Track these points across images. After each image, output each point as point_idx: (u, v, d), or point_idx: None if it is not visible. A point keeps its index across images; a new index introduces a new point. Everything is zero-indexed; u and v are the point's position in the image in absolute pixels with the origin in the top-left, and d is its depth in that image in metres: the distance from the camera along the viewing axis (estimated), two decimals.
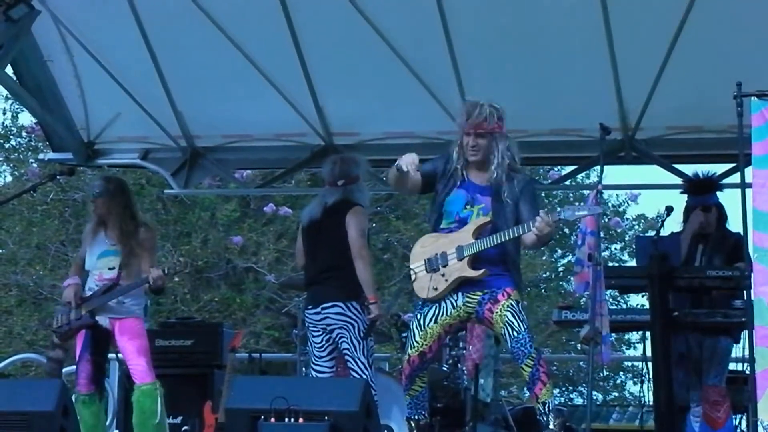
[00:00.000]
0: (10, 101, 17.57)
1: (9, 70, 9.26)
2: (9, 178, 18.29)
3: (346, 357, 7.74)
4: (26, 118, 17.55)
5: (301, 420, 6.09)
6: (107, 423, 10.26)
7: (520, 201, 6.64)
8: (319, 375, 7.78)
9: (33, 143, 17.82)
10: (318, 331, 7.78)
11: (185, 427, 8.87)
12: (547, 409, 6.46)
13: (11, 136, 18.21)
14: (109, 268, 7.97)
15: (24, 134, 17.99)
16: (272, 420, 6.11)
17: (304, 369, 9.05)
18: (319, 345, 7.81)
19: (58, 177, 8.92)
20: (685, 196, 8.11)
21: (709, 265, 7.60)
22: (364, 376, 7.55)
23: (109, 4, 9.30)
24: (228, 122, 10.14)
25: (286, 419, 6.09)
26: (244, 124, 10.13)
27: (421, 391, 6.72)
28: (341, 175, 7.90)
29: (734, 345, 7.64)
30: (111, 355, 10.24)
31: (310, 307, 7.83)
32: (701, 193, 7.94)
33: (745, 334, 6.90)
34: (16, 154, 18.28)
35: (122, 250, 7.96)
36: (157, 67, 9.69)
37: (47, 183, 10.91)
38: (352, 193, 7.90)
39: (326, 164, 8.15)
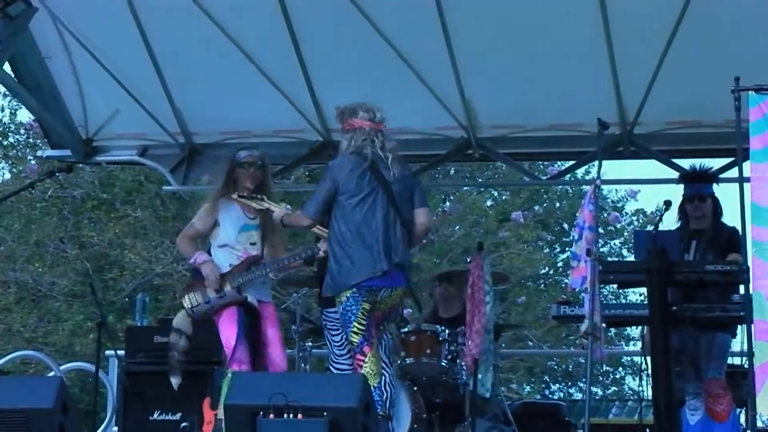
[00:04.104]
0: (8, 98, 17.54)
1: (7, 67, 9.27)
2: (7, 176, 18.26)
3: None
4: (24, 115, 17.52)
5: (299, 416, 6.09)
6: (106, 419, 10.28)
7: None
8: (342, 373, 7.75)
9: (31, 140, 17.78)
10: (338, 329, 7.76)
11: (184, 424, 8.84)
12: None
13: (10, 133, 18.17)
14: (251, 243, 7.64)
15: (22, 131, 17.96)
16: (271, 416, 6.11)
17: (303, 365, 9.04)
18: (339, 343, 7.77)
19: (56, 174, 8.90)
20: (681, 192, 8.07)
21: (703, 260, 7.52)
22: (389, 374, 7.60)
23: (106, 1, 9.31)
24: (226, 119, 10.14)
25: (285, 415, 6.10)
26: (243, 121, 10.13)
27: None
28: None
29: (732, 339, 7.59)
30: (110, 352, 10.28)
31: (330, 308, 7.81)
32: (696, 182, 7.87)
33: (742, 328, 6.87)
34: (14, 151, 18.23)
35: (262, 225, 7.65)
36: (155, 63, 9.69)
37: (46, 180, 10.87)
38: None
39: None
